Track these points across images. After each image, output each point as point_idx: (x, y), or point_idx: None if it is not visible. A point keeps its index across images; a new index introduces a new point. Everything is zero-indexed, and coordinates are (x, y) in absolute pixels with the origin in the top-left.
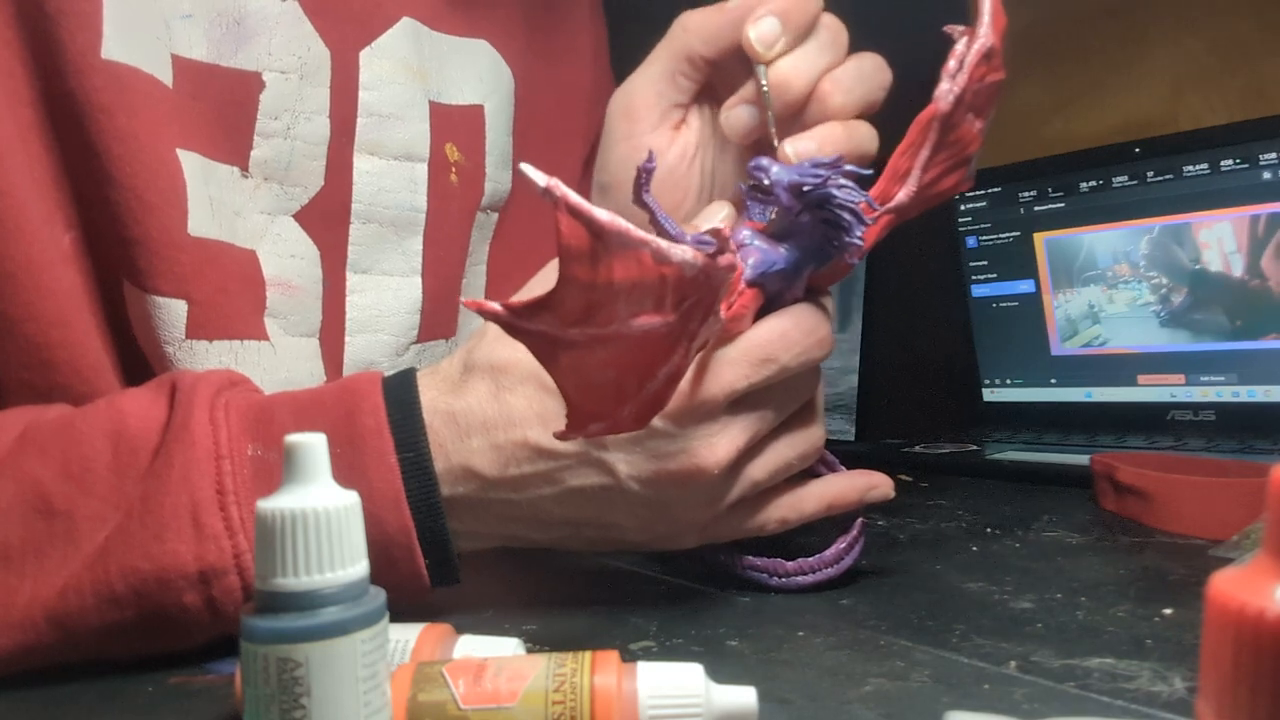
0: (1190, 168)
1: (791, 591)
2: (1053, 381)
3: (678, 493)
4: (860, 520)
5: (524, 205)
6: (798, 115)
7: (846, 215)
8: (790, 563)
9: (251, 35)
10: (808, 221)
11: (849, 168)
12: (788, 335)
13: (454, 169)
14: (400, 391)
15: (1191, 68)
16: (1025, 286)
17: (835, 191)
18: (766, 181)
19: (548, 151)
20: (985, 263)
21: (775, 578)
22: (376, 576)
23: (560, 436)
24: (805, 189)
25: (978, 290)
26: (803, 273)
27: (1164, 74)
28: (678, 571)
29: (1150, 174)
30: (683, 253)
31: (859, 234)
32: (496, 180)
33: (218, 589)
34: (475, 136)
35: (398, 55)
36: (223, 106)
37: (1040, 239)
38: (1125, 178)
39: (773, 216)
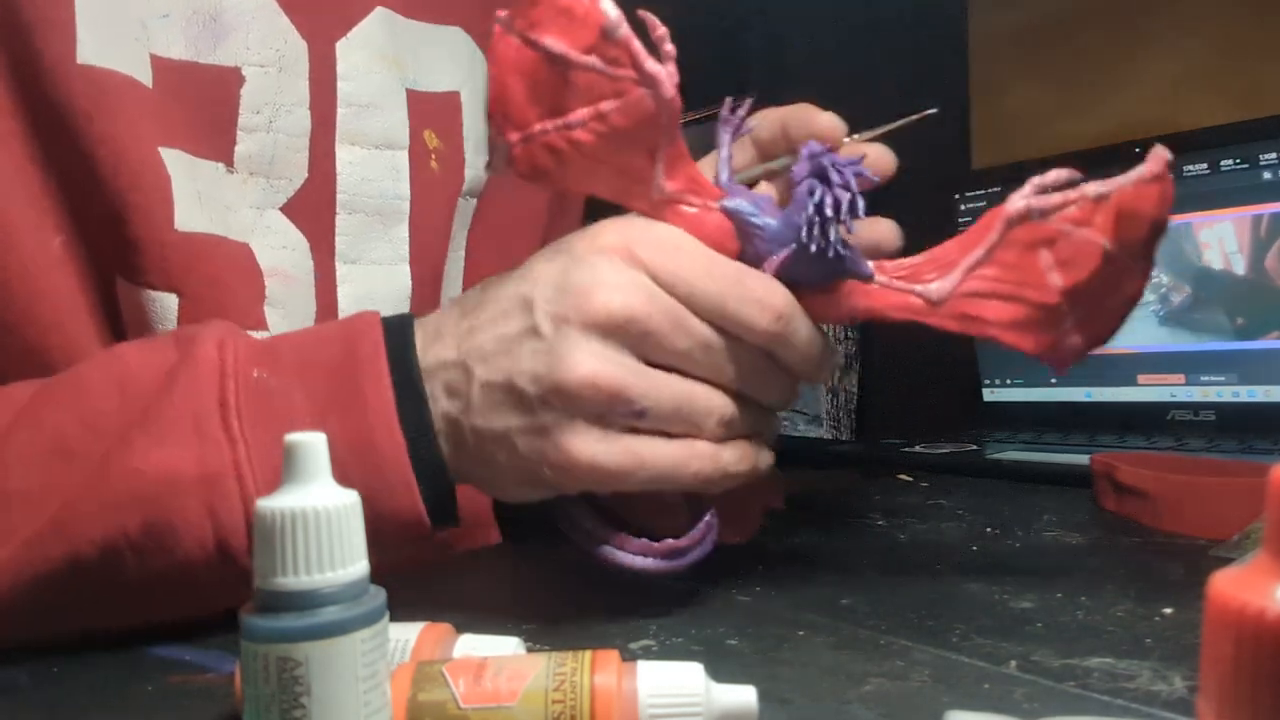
0: (1190, 168)
1: (630, 570)
2: (1053, 381)
3: (578, 333)
4: (710, 514)
5: (501, 192)
6: None
7: (842, 194)
8: (637, 540)
9: (228, 31)
10: (801, 194)
11: (858, 168)
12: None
13: (434, 156)
14: (397, 321)
15: (1191, 68)
16: None
17: (833, 166)
18: (804, 151)
19: None
20: None
21: (634, 556)
22: (373, 520)
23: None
24: (817, 157)
25: None
26: (778, 250)
27: (1164, 74)
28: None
29: None
30: (610, 9)
31: (841, 220)
32: (475, 166)
33: (217, 495)
34: (453, 123)
35: (373, 45)
36: (204, 103)
37: None
38: None
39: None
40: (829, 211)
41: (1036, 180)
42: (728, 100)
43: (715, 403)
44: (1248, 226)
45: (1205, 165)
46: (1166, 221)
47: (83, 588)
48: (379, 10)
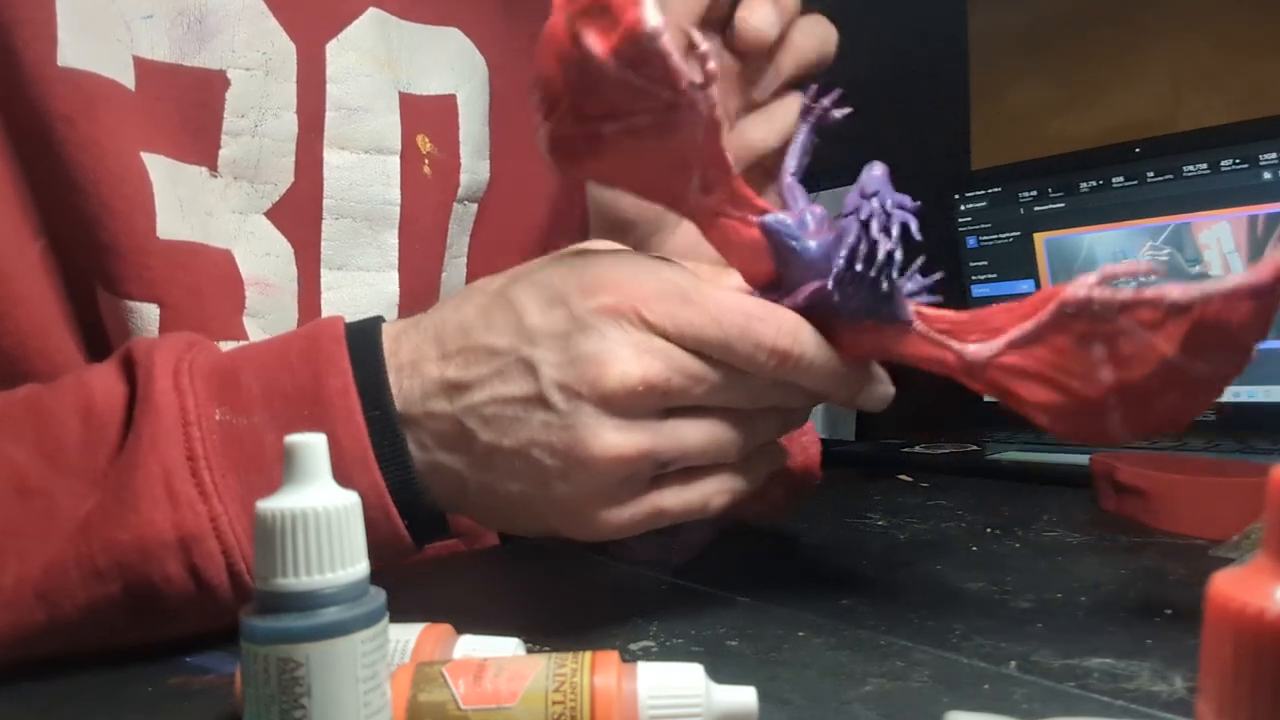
0: (1190, 168)
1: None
2: None
3: (592, 409)
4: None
5: (504, 195)
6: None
7: (882, 242)
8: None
9: (214, 33)
10: (845, 229)
11: (914, 224)
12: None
13: (426, 160)
14: (366, 349)
15: (1191, 68)
16: (1025, 286)
17: (884, 216)
18: (869, 189)
19: (526, 140)
20: (985, 263)
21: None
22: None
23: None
24: (870, 197)
25: (978, 290)
26: (812, 282)
27: (1164, 74)
28: (677, 571)
29: (1150, 174)
30: (650, 15)
31: (876, 276)
32: (473, 171)
33: (198, 555)
34: (448, 127)
35: (365, 47)
36: (188, 107)
37: (1040, 239)
38: (1125, 178)
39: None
40: (860, 266)
41: (1108, 269)
42: (811, 89)
43: (737, 434)
44: (1247, 226)
45: (1205, 165)
46: (1261, 334)
47: (68, 638)
48: (372, 11)
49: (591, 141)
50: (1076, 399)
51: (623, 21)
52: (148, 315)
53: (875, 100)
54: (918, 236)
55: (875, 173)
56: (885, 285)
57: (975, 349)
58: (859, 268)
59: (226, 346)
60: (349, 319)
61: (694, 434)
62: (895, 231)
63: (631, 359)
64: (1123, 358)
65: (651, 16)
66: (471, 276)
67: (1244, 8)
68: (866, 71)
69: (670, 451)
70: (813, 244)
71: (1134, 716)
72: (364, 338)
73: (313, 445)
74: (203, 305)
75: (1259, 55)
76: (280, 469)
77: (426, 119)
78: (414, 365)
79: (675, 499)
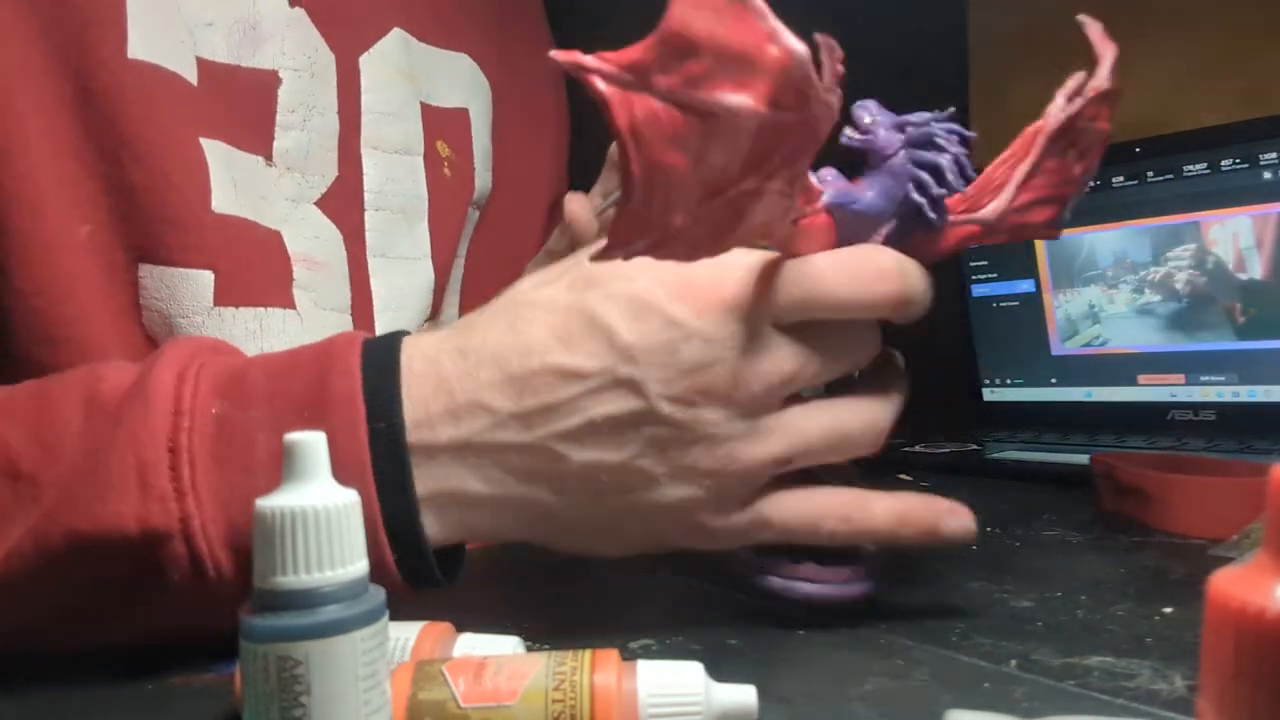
0: (1190, 168)
1: (794, 600)
2: (1053, 381)
3: (713, 416)
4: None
5: (502, 207)
6: None
7: (946, 159)
8: (802, 567)
9: (266, 39)
10: (900, 165)
11: (954, 126)
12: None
13: (446, 164)
14: (380, 355)
15: (1191, 68)
16: (1025, 286)
17: (939, 131)
18: (868, 119)
19: (522, 159)
20: (985, 262)
21: (793, 582)
22: None
23: (598, 257)
24: (908, 126)
25: (978, 290)
26: (881, 228)
27: (1164, 74)
28: (678, 571)
29: (1150, 174)
30: (795, 44)
31: (950, 186)
32: (482, 178)
33: (163, 555)
34: (463, 135)
35: (391, 61)
36: (246, 102)
37: None
38: (1125, 177)
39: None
40: (938, 189)
41: (1067, 89)
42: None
43: (854, 415)
44: (1248, 227)
45: (1205, 165)
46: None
47: (31, 626)
48: (396, 30)
49: (731, 213)
50: (1065, 197)
51: (766, 63)
52: (202, 282)
53: (875, 100)
54: (970, 133)
55: (872, 106)
56: (959, 191)
57: (992, 208)
58: (938, 190)
59: (273, 312)
60: (397, 300)
61: (814, 424)
62: (955, 142)
63: (749, 362)
64: (1084, 149)
65: (795, 42)
66: (466, 280)
67: (1244, 7)
68: (866, 71)
69: (796, 447)
70: (871, 196)
71: (1134, 715)
72: (382, 346)
73: (312, 443)
74: (254, 273)
75: (1259, 54)
76: (267, 472)
77: (444, 127)
78: (473, 399)
79: (785, 508)
